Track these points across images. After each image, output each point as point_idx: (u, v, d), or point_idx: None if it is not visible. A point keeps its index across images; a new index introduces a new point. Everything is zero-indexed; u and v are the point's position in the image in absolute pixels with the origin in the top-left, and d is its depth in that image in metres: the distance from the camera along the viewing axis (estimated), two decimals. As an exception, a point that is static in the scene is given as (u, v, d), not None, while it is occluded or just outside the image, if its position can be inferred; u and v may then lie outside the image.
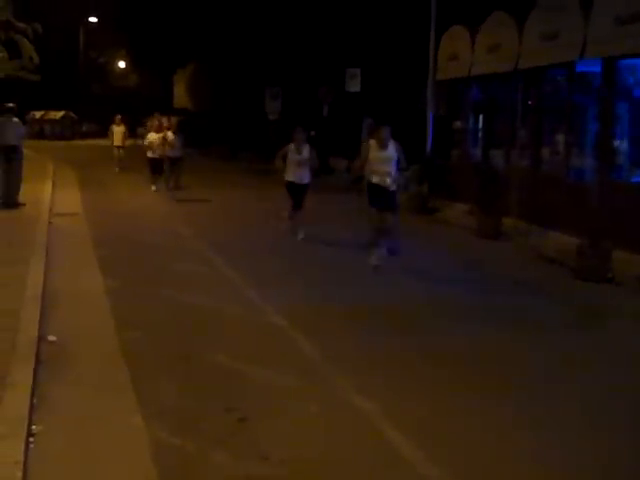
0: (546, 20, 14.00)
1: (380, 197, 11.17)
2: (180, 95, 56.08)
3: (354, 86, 25.55)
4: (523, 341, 7.74)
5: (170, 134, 19.80)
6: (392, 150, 11.14)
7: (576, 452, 5.16)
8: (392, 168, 11.15)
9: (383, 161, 11.12)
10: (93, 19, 57.60)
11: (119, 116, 26.83)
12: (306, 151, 13.29)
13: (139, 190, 21.42)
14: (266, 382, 6.31)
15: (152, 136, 20.39)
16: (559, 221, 13.70)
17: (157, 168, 20.23)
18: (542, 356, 7.28)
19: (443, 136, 19.63)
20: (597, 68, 13.17)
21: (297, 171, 13.29)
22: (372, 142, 11.33)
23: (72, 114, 55.76)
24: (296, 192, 13.34)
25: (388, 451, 5.10)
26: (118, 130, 26.47)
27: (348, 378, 6.42)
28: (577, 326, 8.44)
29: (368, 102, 25.82)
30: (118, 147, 26.51)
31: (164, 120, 23.01)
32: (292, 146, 13.30)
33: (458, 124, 19.43)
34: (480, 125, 18.80)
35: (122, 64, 66.67)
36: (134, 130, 54.36)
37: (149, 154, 20.39)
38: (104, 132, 56.43)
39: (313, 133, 30.64)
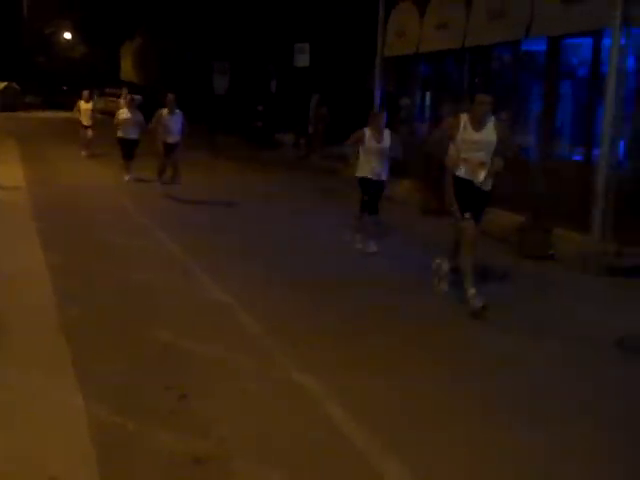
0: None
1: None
2: (127, 68, 55.23)
3: (303, 61, 25.33)
4: (456, 314, 7.83)
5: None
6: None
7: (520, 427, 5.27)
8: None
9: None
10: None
11: (87, 91, 23.48)
12: (387, 138, 10.68)
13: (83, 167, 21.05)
14: (208, 359, 6.29)
15: (122, 113, 17.83)
16: (505, 199, 13.81)
17: (129, 151, 17.71)
18: (479, 328, 7.38)
19: (391, 113, 19.66)
20: (542, 47, 13.27)
21: (375, 164, 10.70)
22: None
23: (15, 85, 54.45)
24: (372, 191, 10.82)
25: (327, 426, 5.13)
26: (86, 107, 22.74)
27: (288, 353, 6.45)
28: (515, 299, 8.58)
29: (317, 77, 25.73)
30: (86, 127, 22.61)
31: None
32: (367, 131, 10.63)
33: (405, 101, 19.47)
34: (428, 102, 18.85)
35: (68, 35, 65.35)
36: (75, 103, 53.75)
37: (119, 134, 17.80)
38: (48, 104, 56.00)
39: (261, 108, 30.56)
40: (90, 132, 22.60)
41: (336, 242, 11.36)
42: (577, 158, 12.69)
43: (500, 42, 14.16)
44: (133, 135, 17.57)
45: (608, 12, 10.47)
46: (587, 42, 12.21)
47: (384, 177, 10.87)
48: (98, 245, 10.57)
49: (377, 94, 19.14)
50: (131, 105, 17.98)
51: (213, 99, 33.21)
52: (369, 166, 10.64)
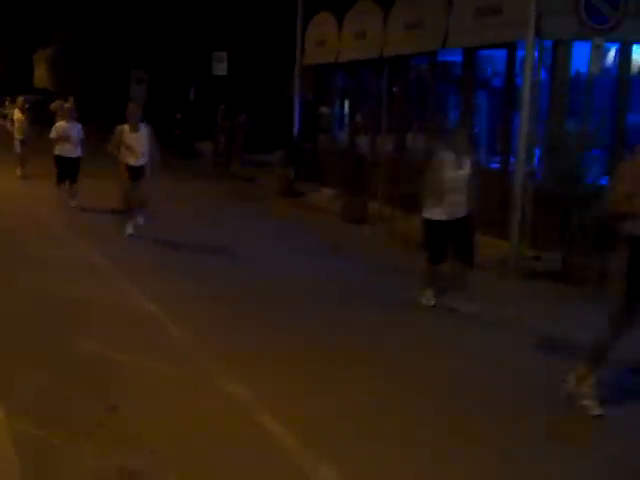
0: (410, 9, 14.30)
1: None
2: (41, 75, 54.06)
3: (221, 70, 25.26)
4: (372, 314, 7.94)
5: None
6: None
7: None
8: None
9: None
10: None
11: (22, 97, 20.54)
12: (467, 165, 8.19)
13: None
14: (137, 370, 6.23)
15: (60, 125, 14.97)
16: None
17: (66, 170, 14.81)
18: (397, 332, 7.49)
19: (311, 121, 19.83)
20: (458, 57, 13.58)
21: (452, 199, 8.10)
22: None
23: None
24: (447, 233, 8.29)
25: (259, 435, 5.14)
26: (20, 117, 19.55)
27: (220, 364, 6.44)
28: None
29: (235, 86, 25.70)
30: (21, 141, 19.15)
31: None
32: (445, 155, 8.16)
33: (324, 109, 19.64)
34: (346, 110, 19.04)
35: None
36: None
37: (56, 151, 14.83)
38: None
39: (179, 116, 30.36)
40: (27, 148, 19.18)
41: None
42: (494, 165, 13.01)
43: (417, 52, 14.41)
44: (76, 153, 14.81)
45: (521, 25, 10.76)
46: (501, 54, 12.54)
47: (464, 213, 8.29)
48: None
49: (296, 102, 19.27)
50: (69, 115, 15.26)
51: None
52: (447, 203, 8.09)
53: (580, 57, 11.14)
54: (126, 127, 11.93)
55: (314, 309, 8.35)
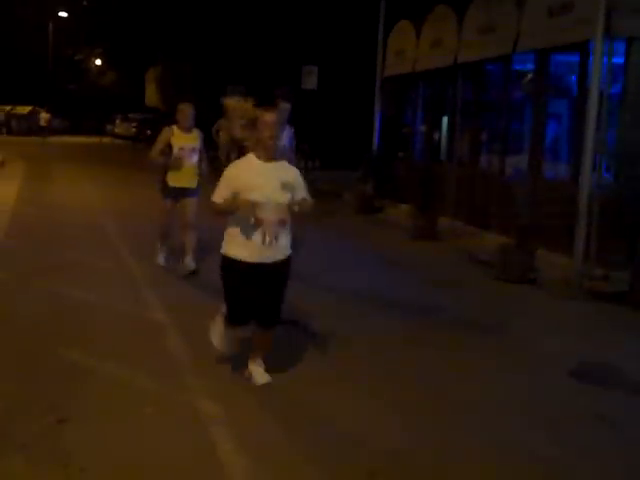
0: (484, 13, 13.54)
1: None
2: (151, 94, 55.36)
3: (311, 83, 24.98)
4: (416, 338, 7.25)
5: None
6: None
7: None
8: None
9: None
10: (63, 14, 56.64)
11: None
12: None
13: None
14: (112, 381, 5.78)
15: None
16: (495, 222, 13.29)
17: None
18: (435, 355, 6.78)
19: (390, 135, 19.17)
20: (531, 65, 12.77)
21: None
22: None
23: (39, 109, 54.37)
24: None
25: (208, 457, 4.58)
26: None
27: (201, 380, 5.91)
28: (479, 327, 7.96)
29: (324, 100, 25.42)
30: None
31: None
32: None
33: (405, 129, 18.99)
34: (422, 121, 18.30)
35: (98, 62, 65.83)
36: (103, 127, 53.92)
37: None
38: (75, 129, 56.00)
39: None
40: None
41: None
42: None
43: (489, 57, 13.61)
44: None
45: (592, 23, 9.89)
46: (576, 58, 11.65)
47: None
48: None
49: (377, 116, 18.71)
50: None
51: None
52: None
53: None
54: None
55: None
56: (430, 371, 6.44)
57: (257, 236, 5.38)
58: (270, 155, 5.48)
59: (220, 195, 5.48)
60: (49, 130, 47.51)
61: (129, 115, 52.21)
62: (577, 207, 10.02)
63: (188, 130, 9.44)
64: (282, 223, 5.42)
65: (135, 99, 57.99)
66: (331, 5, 24.90)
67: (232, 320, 5.75)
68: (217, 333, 5.95)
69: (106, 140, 47.58)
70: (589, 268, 10.08)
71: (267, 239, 5.38)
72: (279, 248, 5.50)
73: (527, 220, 11.24)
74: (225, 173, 5.54)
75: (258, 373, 5.80)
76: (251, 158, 5.52)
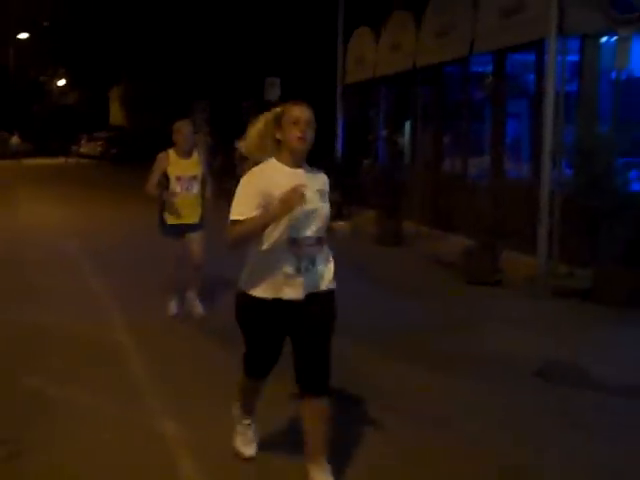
0: (440, 16, 13.56)
1: None
2: (115, 112, 55.13)
3: (273, 94, 24.98)
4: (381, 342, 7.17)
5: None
6: None
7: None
8: None
9: None
10: (24, 35, 56.11)
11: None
12: None
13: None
14: (72, 408, 5.63)
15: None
16: (460, 224, 13.27)
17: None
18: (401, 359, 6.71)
19: (356, 142, 19.14)
20: (490, 67, 12.78)
21: None
22: None
23: (5, 133, 53.68)
24: None
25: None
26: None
27: (163, 401, 5.78)
28: (443, 329, 7.92)
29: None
30: None
31: None
32: None
33: (370, 136, 18.99)
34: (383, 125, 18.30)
35: (62, 82, 65.31)
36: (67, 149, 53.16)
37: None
38: (40, 151, 55.26)
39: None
40: None
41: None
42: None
43: (447, 60, 13.62)
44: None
45: (545, 22, 9.88)
46: (531, 58, 11.68)
47: None
48: None
49: (339, 124, 18.67)
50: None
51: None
52: None
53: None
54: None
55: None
56: (395, 376, 6.36)
57: (290, 263, 4.10)
58: (298, 160, 4.24)
59: (243, 210, 4.06)
60: (20, 153, 46.91)
61: (94, 134, 51.81)
62: (539, 205, 10.02)
63: (187, 154, 8.01)
64: (319, 243, 4.22)
65: (100, 118, 57.70)
66: (290, 15, 24.87)
67: (251, 373, 4.52)
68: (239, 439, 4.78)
69: (71, 160, 47.08)
70: (553, 266, 10.09)
71: (302, 264, 4.12)
72: (319, 277, 4.22)
73: (491, 221, 11.22)
74: (244, 180, 4.18)
75: None
76: (274, 163, 4.22)
